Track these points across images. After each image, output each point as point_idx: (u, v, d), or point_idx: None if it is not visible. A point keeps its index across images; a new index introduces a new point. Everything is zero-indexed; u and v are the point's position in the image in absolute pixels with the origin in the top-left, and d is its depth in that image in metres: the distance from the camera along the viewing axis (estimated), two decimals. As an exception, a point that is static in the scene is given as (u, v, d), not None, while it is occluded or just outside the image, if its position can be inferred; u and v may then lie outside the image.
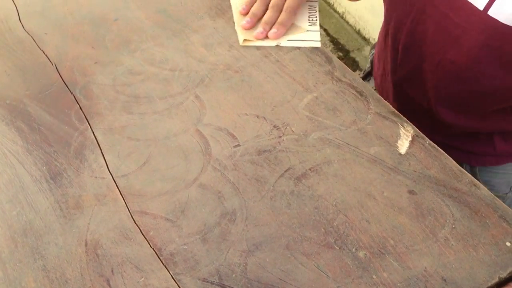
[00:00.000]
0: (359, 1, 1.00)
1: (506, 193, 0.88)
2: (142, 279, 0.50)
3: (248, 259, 0.51)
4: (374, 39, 2.12)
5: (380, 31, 0.90)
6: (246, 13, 0.78)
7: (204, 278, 0.50)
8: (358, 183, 0.57)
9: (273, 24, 0.75)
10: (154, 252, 0.52)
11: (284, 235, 0.53)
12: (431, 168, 0.58)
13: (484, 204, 0.54)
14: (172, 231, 0.53)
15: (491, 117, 0.77)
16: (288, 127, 0.63)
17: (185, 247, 0.52)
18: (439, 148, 0.60)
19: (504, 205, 0.54)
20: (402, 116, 0.63)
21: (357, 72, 2.08)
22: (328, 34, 2.33)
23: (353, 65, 2.18)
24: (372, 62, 1.00)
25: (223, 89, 0.68)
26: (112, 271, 0.50)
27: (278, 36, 0.75)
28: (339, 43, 2.28)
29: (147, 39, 0.76)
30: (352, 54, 2.23)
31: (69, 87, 0.69)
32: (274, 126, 0.63)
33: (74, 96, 0.68)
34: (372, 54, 1.00)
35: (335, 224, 0.53)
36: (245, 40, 0.75)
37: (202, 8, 0.82)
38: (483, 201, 0.54)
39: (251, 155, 0.60)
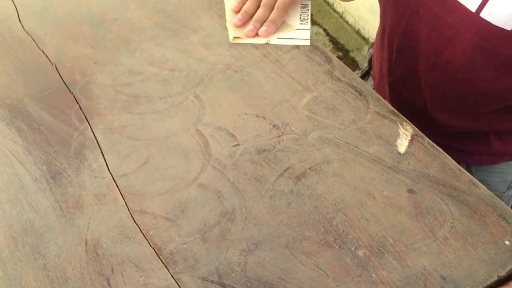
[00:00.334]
0: (359, 0, 0.99)
1: (504, 192, 0.88)
2: (142, 278, 0.50)
3: (247, 258, 0.51)
4: (373, 38, 2.11)
5: (377, 31, 0.90)
6: (239, 11, 0.78)
7: (204, 277, 0.50)
8: (357, 182, 0.57)
9: (264, 22, 0.75)
10: (154, 251, 0.52)
11: (283, 234, 0.53)
12: (431, 167, 0.58)
13: (483, 203, 0.54)
14: (172, 230, 0.53)
15: (487, 117, 0.77)
16: (287, 127, 0.63)
17: (185, 246, 0.52)
18: (438, 147, 0.60)
19: (503, 204, 0.54)
20: (401, 115, 0.63)
21: (357, 71, 2.08)
22: (327, 33, 2.33)
23: (353, 64, 2.18)
24: (370, 62, 1.00)
25: (222, 88, 0.68)
26: (112, 270, 0.51)
27: (268, 34, 0.75)
28: (339, 43, 2.28)
29: (146, 39, 0.77)
30: (351, 54, 2.23)
31: (69, 87, 0.69)
32: (274, 126, 0.63)
33: (74, 96, 0.68)
34: (370, 53, 1.00)
35: (334, 223, 0.53)
36: (235, 37, 0.75)
37: (201, 8, 0.82)
38: (482, 200, 0.54)
39: (251, 155, 0.60)
